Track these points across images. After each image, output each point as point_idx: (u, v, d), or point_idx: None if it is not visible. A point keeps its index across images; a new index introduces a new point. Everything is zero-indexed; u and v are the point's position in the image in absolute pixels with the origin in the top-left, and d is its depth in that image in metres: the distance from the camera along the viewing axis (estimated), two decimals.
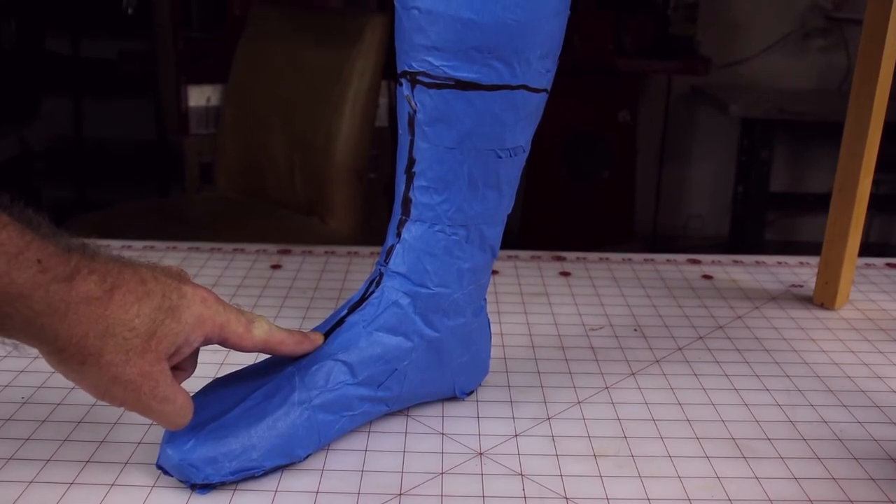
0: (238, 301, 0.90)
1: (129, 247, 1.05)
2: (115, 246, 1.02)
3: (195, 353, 0.57)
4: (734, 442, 0.66)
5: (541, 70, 0.61)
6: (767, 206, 2.97)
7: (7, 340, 0.48)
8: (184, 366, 0.57)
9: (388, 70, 1.83)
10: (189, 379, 0.58)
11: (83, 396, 0.67)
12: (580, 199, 2.82)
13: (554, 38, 0.61)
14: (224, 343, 0.57)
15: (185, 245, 1.06)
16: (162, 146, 2.89)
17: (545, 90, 0.63)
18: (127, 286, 0.50)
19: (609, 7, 2.74)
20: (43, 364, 0.50)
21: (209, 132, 2.24)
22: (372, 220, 1.97)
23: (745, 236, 2.91)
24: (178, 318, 0.52)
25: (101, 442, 0.63)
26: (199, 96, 2.27)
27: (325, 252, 1.06)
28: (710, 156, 3.21)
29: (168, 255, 1.02)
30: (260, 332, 0.58)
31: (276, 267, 1.00)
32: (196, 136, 2.27)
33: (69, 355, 0.49)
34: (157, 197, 2.89)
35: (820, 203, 2.88)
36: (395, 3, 0.61)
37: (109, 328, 0.49)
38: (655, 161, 3.10)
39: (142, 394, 0.51)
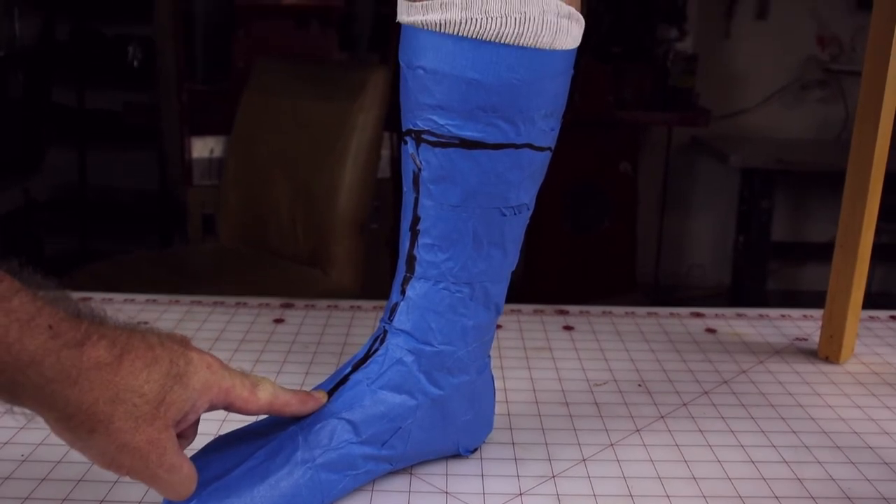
0: (241, 356, 0.89)
1: (132, 300, 1.05)
2: (117, 299, 1.02)
3: (197, 420, 0.57)
4: (741, 500, 0.65)
5: (545, 129, 0.62)
6: (769, 255, 2.97)
7: (16, 409, 0.48)
8: (186, 433, 0.56)
9: (390, 122, 1.84)
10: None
11: None
12: (582, 249, 2.83)
13: (558, 97, 0.62)
14: (229, 408, 0.56)
15: (187, 299, 1.06)
16: (165, 197, 2.90)
17: (549, 148, 0.63)
18: (136, 352, 0.50)
19: (608, 59, 2.78)
20: (42, 421, 0.50)
21: (212, 183, 2.26)
22: (373, 271, 1.97)
23: (747, 286, 2.91)
24: (185, 384, 0.52)
25: (101, 501, 0.62)
26: (203, 148, 2.29)
27: (328, 306, 1.05)
28: (711, 206, 3.22)
29: (170, 308, 1.02)
30: (265, 394, 0.58)
31: (278, 321, 1.00)
32: (199, 187, 2.28)
33: (78, 422, 0.48)
34: (160, 247, 2.90)
35: (822, 252, 2.88)
36: (401, 62, 0.62)
37: (119, 394, 0.48)
38: (656, 211, 3.12)
39: (150, 462, 0.51)
